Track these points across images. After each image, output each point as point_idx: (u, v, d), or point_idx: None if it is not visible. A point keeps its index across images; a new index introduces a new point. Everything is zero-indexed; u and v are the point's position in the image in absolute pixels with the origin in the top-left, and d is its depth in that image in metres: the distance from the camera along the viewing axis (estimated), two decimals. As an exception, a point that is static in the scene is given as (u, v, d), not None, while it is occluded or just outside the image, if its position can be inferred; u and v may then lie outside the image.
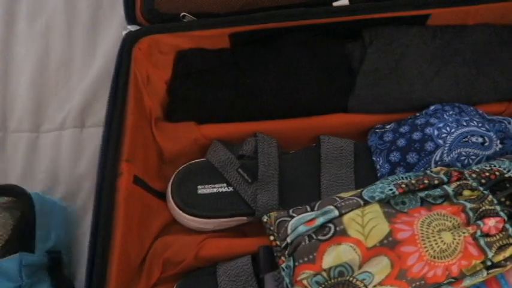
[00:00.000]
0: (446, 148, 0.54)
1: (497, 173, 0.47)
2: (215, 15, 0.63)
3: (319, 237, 0.43)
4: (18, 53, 0.72)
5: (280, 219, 0.47)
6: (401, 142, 0.57)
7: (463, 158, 0.53)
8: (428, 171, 0.50)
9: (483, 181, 0.47)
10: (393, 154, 0.56)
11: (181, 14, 0.62)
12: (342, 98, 0.60)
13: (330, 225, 0.44)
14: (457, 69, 0.61)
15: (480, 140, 0.54)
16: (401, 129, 0.58)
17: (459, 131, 0.54)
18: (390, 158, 0.56)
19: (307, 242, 0.44)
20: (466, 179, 0.47)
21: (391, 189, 0.46)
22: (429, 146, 0.54)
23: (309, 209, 0.47)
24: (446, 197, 0.46)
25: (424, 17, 0.61)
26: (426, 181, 0.47)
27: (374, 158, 0.58)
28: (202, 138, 0.60)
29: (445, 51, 0.61)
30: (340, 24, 0.61)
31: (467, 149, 0.53)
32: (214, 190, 0.57)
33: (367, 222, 0.44)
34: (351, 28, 0.63)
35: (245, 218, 0.56)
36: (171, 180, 0.58)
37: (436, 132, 0.55)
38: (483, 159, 0.54)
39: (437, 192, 0.46)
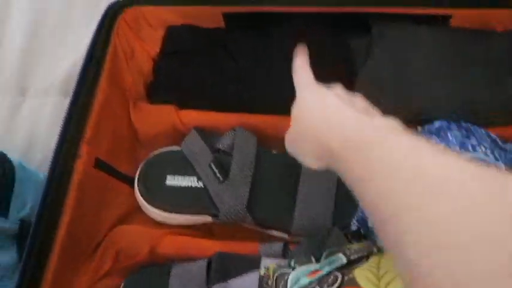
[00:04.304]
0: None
1: None
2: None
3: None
4: (16, 9, 0.69)
5: (280, 271, 0.41)
6: (392, 159, 0.50)
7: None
8: None
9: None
10: (381, 171, 0.50)
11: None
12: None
13: (337, 273, 0.38)
14: (471, 81, 0.53)
15: (484, 168, 0.47)
16: (396, 145, 0.51)
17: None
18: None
19: None
20: None
21: None
22: (422, 168, 0.48)
23: (313, 259, 0.41)
24: None
25: (444, 18, 0.53)
26: None
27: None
28: (180, 124, 0.55)
29: (461, 58, 0.53)
30: (347, 16, 0.54)
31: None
32: (184, 183, 0.53)
33: (384, 274, 0.36)
34: (359, 21, 0.55)
35: (210, 218, 0.52)
36: (140, 167, 0.54)
37: (432, 154, 0.48)
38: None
39: None
